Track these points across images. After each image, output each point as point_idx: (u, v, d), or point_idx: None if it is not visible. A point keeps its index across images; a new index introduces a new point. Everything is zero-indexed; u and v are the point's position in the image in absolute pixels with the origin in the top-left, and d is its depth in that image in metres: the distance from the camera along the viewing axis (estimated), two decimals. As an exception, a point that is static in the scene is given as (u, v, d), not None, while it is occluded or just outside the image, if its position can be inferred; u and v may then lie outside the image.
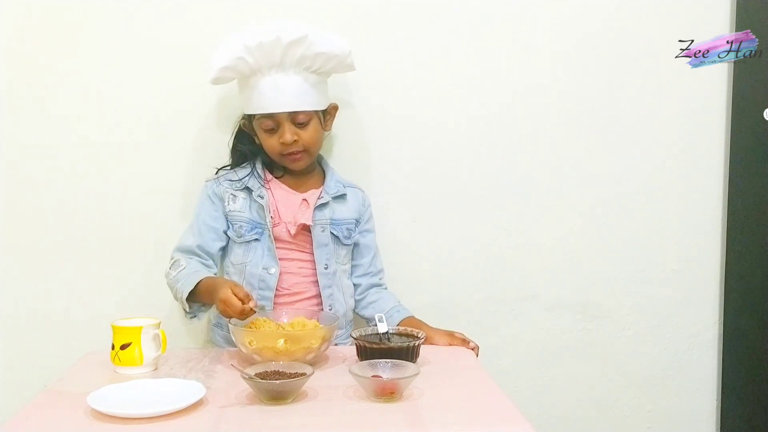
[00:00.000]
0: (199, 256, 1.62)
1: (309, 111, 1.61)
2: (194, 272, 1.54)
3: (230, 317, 1.42)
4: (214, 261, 1.64)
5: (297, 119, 1.60)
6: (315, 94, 1.61)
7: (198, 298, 1.52)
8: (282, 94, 1.57)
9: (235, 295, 1.40)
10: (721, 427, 2.02)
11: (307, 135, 1.62)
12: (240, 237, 1.63)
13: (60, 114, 1.81)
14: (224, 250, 1.67)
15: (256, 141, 1.69)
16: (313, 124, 1.63)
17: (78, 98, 1.81)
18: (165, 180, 1.83)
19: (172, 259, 1.61)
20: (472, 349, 1.55)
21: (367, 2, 1.84)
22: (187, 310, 1.54)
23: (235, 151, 1.73)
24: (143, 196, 1.83)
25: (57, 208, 1.83)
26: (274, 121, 1.60)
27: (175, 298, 1.56)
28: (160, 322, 1.40)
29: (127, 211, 1.83)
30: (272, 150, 1.64)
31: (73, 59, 1.80)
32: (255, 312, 1.42)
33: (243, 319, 1.41)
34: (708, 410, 2.04)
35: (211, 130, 1.82)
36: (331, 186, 1.69)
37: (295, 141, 1.60)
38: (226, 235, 1.65)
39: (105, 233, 1.83)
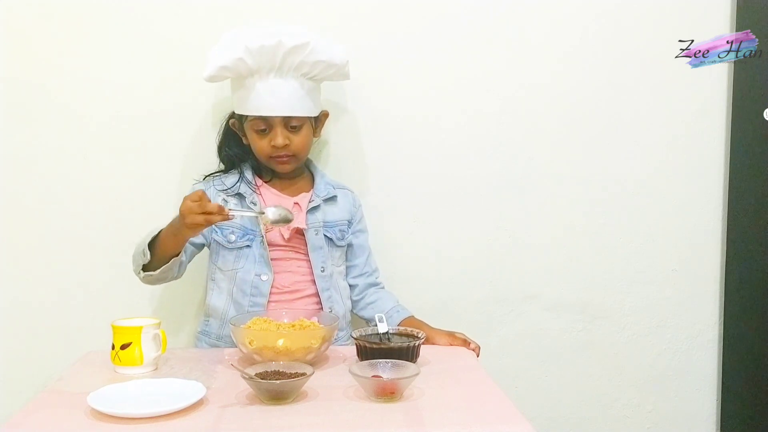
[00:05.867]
0: None
1: (303, 117, 1.61)
2: (157, 228, 1.50)
3: (196, 223, 1.36)
4: (185, 252, 1.59)
5: (290, 123, 1.60)
6: (310, 101, 1.61)
7: (161, 250, 1.48)
8: (278, 98, 1.57)
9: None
10: (721, 427, 2.02)
11: (298, 140, 1.62)
12: (230, 243, 1.62)
13: (59, 113, 1.81)
14: (197, 247, 1.64)
15: (244, 141, 1.68)
16: (305, 130, 1.63)
17: (78, 98, 1.81)
18: (166, 180, 1.83)
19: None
20: (473, 350, 1.55)
21: (363, 3, 1.84)
22: (148, 259, 1.48)
23: (223, 155, 1.72)
24: (144, 196, 1.83)
25: (57, 207, 1.83)
26: (266, 124, 1.60)
27: (136, 266, 1.51)
28: (160, 322, 1.40)
29: (127, 210, 1.83)
30: (261, 152, 1.63)
31: (72, 58, 1.80)
32: (215, 210, 1.34)
33: (205, 216, 1.34)
34: (708, 410, 2.04)
35: (212, 130, 1.82)
36: (321, 188, 1.69)
37: (285, 145, 1.60)
38: (202, 235, 1.62)
39: (105, 233, 1.83)
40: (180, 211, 1.38)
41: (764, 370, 1.87)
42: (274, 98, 1.57)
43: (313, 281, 1.64)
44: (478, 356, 1.55)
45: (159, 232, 1.49)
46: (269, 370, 1.25)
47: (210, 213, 1.35)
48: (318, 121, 1.69)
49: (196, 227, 1.40)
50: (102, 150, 1.83)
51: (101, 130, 1.82)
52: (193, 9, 1.80)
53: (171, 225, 1.46)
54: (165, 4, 1.80)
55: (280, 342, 1.34)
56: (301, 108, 1.59)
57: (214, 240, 1.64)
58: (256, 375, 1.22)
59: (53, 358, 1.73)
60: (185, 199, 1.38)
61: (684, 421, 2.03)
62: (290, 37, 1.53)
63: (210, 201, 1.39)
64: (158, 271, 1.51)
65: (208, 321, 1.67)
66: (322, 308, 1.63)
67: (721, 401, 2.02)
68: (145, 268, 1.51)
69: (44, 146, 1.82)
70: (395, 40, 1.86)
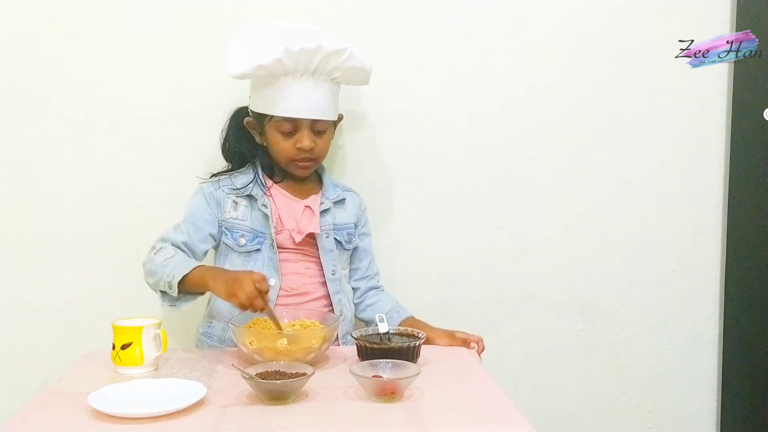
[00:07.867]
0: (184, 252, 1.56)
1: (329, 121, 1.61)
2: (187, 260, 1.50)
3: (236, 299, 1.37)
4: (197, 260, 1.58)
5: (316, 127, 1.59)
6: (335, 104, 1.61)
7: (186, 285, 1.45)
8: (310, 100, 1.55)
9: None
10: (721, 427, 2.02)
11: (322, 143, 1.61)
12: (240, 247, 1.60)
13: (60, 113, 1.81)
14: (206, 254, 1.62)
15: (257, 140, 1.66)
16: (328, 134, 1.63)
17: (79, 97, 1.81)
18: (167, 180, 1.83)
19: (154, 247, 1.53)
20: (476, 343, 1.56)
21: (368, 5, 1.84)
22: (175, 295, 1.46)
23: (233, 152, 1.68)
24: (144, 195, 1.83)
25: (57, 208, 1.83)
26: (293, 126, 1.57)
27: (155, 284, 1.49)
28: (160, 322, 1.40)
29: (128, 210, 1.83)
30: (284, 153, 1.60)
31: (72, 58, 1.80)
32: (265, 303, 1.36)
33: (247, 308, 1.36)
34: (708, 410, 2.04)
35: (215, 129, 1.81)
36: (330, 191, 1.68)
37: (311, 148, 1.59)
38: (213, 239, 1.61)
39: (106, 233, 1.83)
40: (238, 278, 1.36)
41: (764, 370, 1.87)
42: (307, 101, 1.55)
43: (323, 283, 1.63)
44: (482, 350, 1.55)
45: (190, 272, 1.45)
46: (270, 370, 1.25)
47: (256, 307, 1.36)
48: (335, 124, 1.68)
49: (233, 302, 1.39)
50: (102, 150, 1.82)
51: (102, 130, 1.82)
52: (194, 9, 1.80)
53: (208, 273, 1.44)
54: (165, 4, 1.80)
55: (281, 342, 1.34)
56: (329, 112, 1.59)
57: (224, 243, 1.62)
58: (256, 375, 1.22)
59: (53, 358, 1.73)
60: (248, 277, 1.36)
61: (684, 421, 2.03)
62: (329, 42, 1.52)
63: (267, 292, 1.38)
64: (182, 305, 1.50)
65: (211, 323, 1.65)
66: (332, 311, 1.61)
67: (721, 401, 2.02)
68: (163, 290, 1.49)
69: (45, 146, 1.81)
70: (393, 40, 1.86)
